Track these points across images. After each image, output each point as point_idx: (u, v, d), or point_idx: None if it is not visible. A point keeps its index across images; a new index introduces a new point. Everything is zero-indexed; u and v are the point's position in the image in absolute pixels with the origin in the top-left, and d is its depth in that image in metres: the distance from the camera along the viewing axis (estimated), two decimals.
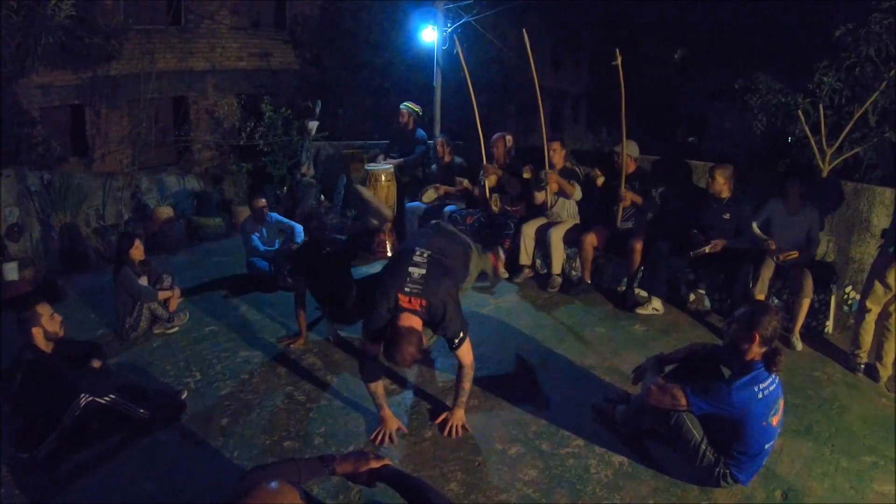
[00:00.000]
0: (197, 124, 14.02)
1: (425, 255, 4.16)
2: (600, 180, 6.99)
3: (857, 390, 5.03)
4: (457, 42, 7.75)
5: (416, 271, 4.03)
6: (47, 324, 4.26)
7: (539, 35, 21.94)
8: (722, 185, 6.18)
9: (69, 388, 4.11)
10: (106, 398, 4.15)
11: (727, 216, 6.17)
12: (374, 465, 2.55)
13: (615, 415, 4.33)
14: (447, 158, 8.38)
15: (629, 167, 6.74)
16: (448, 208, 7.77)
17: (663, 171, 7.34)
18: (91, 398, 4.09)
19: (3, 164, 8.26)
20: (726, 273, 6.14)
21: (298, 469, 2.49)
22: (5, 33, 8.69)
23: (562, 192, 7.17)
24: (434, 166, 8.56)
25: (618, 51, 6.41)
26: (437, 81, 11.35)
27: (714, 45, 21.94)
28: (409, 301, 3.95)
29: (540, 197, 7.27)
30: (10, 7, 8.58)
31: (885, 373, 5.21)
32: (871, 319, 5.27)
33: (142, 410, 4.29)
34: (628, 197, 6.65)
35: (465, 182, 7.91)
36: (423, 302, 3.96)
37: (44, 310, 4.27)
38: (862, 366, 5.32)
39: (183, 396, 4.63)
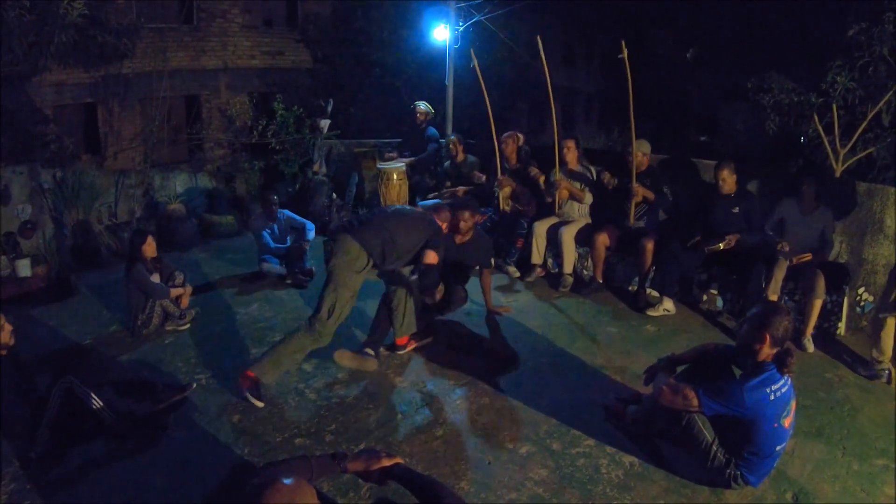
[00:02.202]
0: (209, 122, 14.06)
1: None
2: (612, 184, 6.98)
3: (869, 393, 4.99)
4: (473, 56, 7.71)
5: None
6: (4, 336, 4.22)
7: (551, 34, 21.94)
8: (731, 183, 6.19)
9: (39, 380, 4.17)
10: (95, 400, 4.13)
11: (736, 210, 6.17)
12: (386, 463, 2.55)
13: (626, 415, 4.33)
14: (460, 157, 8.39)
15: (641, 165, 6.73)
16: None
17: (674, 171, 7.32)
18: (73, 382, 4.08)
19: (16, 162, 8.31)
20: (739, 273, 6.12)
21: (310, 466, 2.49)
22: (18, 32, 8.74)
23: (573, 197, 7.18)
24: (447, 164, 8.56)
25: (623, 43, 6.40)
26: (450, 80, 11.35)
27: (726, 45, 21.84)
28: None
29: (549, 199, 7.29)
30: (23, 6, 8.62)
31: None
32: (892, 323, 5.19)
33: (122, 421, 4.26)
34: (640, 192, 6.62)
35: (483, 177, 7.93)
36: None
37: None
38: (886, 372, 5.16)
39: (191, 389, 4.67)
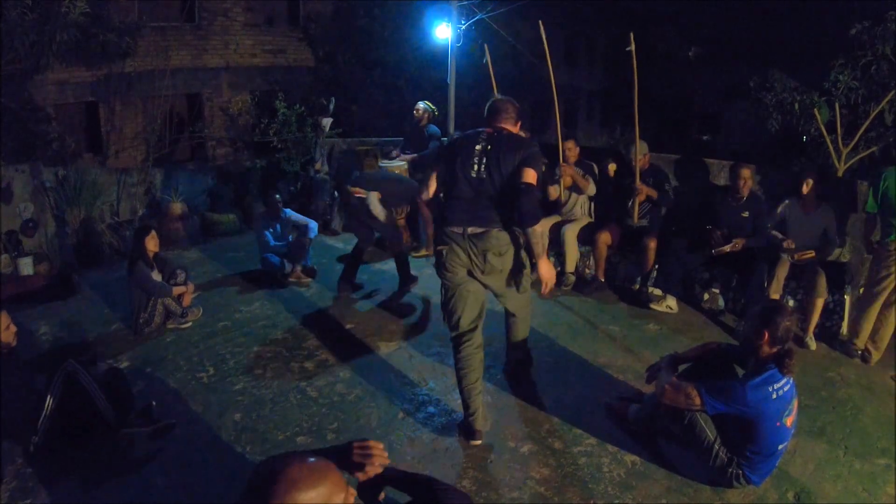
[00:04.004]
0: (211, 121, 14.08)
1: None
2: (612, 168, 6.98)
3: (872, 392, 4.99)
4: (487, 51, 7.71)
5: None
6: (2, 334, 4.20)
7: (553, 32, 21.94)
8: (748, 182, 6.19)
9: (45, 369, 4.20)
10: (97, 393, 4.13)
11: (746, 214, 6.15)
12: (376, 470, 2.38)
13: (628, 414, 4.32)
14: None
15: (643, 164, 6.72)
16: None
17: (676, 169, 7.31)
18: (76, 367, 4.09)
19: (18, 161, 8.31)
20: (741, 272, 6.12)
21: None
22: (20, 30, 8.74)
23: (575, 188, 7.14)
24: None
25: (632, 35, 6.38)
26: (451, 78, 11.35)
27: (729, 43, 21.85)
28: None
29: (553, 192, 7.25)
30: (25, 5, 8.62)
31: (877, 355, 5.41)
32: (876, 307, 5.43)
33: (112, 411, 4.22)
34: (644, 190, 6.63)
35: None
36: None
37: (2, 320, 4.16)
38: (859, 353, 5.50)
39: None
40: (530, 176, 3.89)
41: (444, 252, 4.05)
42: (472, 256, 4.02)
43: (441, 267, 4.11)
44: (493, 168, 3.96)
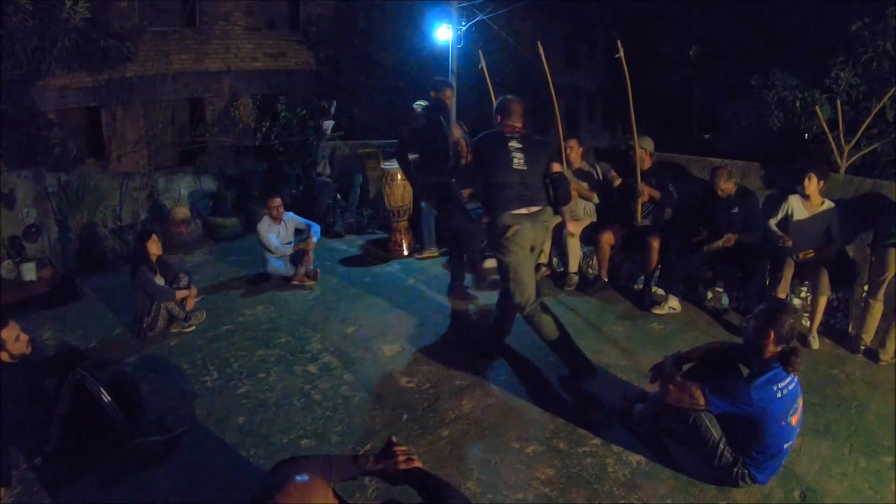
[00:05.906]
0: (213, 125, 14.08)
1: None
2: (617, 182, 6.97)
3: (877, 389, 4.97)
4: (481, 57, 7.72)
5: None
6: (12, 347, 4.16)
7: (553, 32, 21.95)
8: (726, 186, 6.18)
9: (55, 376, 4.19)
10: (104, 395, 4.11)
11: (736, 210, 6.16)
12: (414, 464, 2.49)
13: (633, 413, 4.32)
14: (468, 159, 8.35)
15: (645, 163, 6.71)
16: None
17: (678, 169, 7.30)
18: (84, 376, 4.06)
19: (20, 166, 8.32)
20: (744, 271, 6.11)
21: (330, 465, 2.45)
22: (21, 37, 8.75)
23: (581, 196, 7.15)
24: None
25: (619, 43, 6.40)
26: (452, 80, 11.33)
27: (730, 42, 21.81)
28: None
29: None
30: (26, 11, 8.63)
31: (886, 356, 5.39)
32: (879, 308, 5.47)
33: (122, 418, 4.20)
34: (646, 192, 6.62)
35: None
36: None
37: (9, 333, 4.12)
38: (863, 348, 5.54)
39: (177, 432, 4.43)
40: (558, 167, 5.04)
41: (515, 231, 4.73)
42: (537, 231, 4.83)
43: (508, 246, 4.76)
44: (530, 161, 4.85)
